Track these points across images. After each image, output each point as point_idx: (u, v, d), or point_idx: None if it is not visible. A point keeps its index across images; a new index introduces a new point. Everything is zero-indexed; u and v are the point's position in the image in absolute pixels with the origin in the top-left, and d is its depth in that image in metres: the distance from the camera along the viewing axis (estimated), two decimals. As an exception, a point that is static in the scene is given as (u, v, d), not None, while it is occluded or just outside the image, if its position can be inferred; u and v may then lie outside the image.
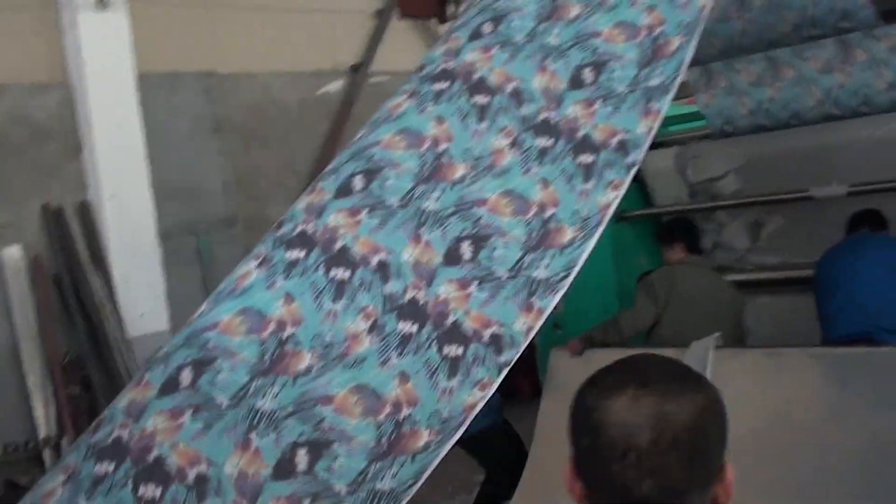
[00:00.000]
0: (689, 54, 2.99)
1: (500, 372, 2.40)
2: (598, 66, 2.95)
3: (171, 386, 2.33)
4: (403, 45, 9.52)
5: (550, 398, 5.00)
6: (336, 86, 9.17)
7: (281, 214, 7.98)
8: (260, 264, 2.56)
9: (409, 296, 2.49)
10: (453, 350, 2.41)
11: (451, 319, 2.45)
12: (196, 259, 7.79)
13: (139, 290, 7.14)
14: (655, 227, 6.23)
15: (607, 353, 5.09)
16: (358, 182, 2.69)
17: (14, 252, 6.95)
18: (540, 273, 2.56)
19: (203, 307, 2.53)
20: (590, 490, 1.37)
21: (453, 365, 2.39)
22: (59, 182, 7.27)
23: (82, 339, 6.91)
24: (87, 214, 7.21)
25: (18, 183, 7.13)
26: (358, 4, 9.09)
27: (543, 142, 2.80)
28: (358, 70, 9.23)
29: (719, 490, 1.36)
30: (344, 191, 2.67)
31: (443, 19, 5.28)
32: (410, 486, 2.21)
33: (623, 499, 1.32)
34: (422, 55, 8.94)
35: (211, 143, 8.10)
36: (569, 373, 4.89)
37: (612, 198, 2.72)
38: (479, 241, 2.60)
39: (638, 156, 2.80)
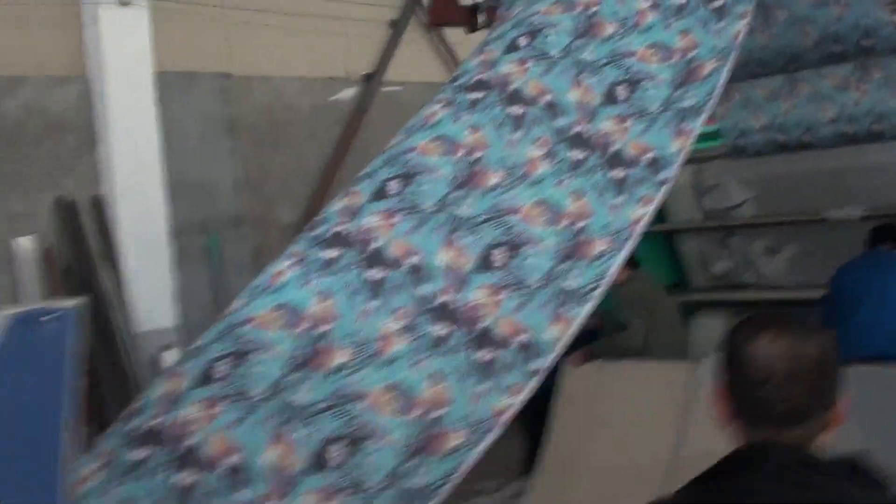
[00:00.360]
0: (722, 79, 3.05)
1: (530, 378, 2.43)
2: (632, 85, 3.01)
3: (205, 377, 2.37)
4: (417, 56, 9.56)
5: (562, 406, 5.03)
6: (348, 93, 9.21)
7: (289, 216, 8.02)
8: (295, 263, 2.60)
9: (441, 299, 2.53)
10: (484, 355, 2.45)
11: (482, 325, 2.50)
12: (205, 257, 7.81)
13: (148, 286, 7.16)
14: (667, 243, 6.29)
15: (614, 365, 5.23)
16: (393, 186, 2.73)
17: (26, 243, 6.97)
18: (570, 283, 2.61)
19: (237, 303, 2.57)
20: (736, 411, 1.76)
21: (484, 369, 2.43)
22: (74, 175, 7.30)
23: (90, 332, 6.93)
24: (99, 209, 7.24)
25: (33, 175, 7.15)
26: (373, 14, 9.13)
27: (577, 154, 2.85)
28: (371, 79, 9.27)
29: (834, 415, 1.73)
30: (379, 194, 2.71)
31: (473, 28, 5.34)
32: (442, 485, 2.25)
33: (763, 417, 1.71)
34: (435, 66, 8.92)
35: (223, 143, 8.12)
36: (578, 382, 4.95)
37: (643, 213, 2.77)
38: (511, 248, 2.64)
39: (669, 174, 2.85)
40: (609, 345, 5.44)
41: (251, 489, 2.20)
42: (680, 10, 3.15)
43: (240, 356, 2.40)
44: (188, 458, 2.24)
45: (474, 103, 2.91)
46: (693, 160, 6.42)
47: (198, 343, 2.51)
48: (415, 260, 2.57)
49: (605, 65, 3.04)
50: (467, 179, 2.75)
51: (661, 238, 6.61)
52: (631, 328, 5.40)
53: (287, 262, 2.61)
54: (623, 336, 5.42)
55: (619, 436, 4.56)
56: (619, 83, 3.00)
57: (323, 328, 2.44)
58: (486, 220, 2.68)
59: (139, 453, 2.27)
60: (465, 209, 2.69)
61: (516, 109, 2.89)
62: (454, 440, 2.31)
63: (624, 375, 5.02)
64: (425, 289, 2.54)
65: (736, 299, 6.34)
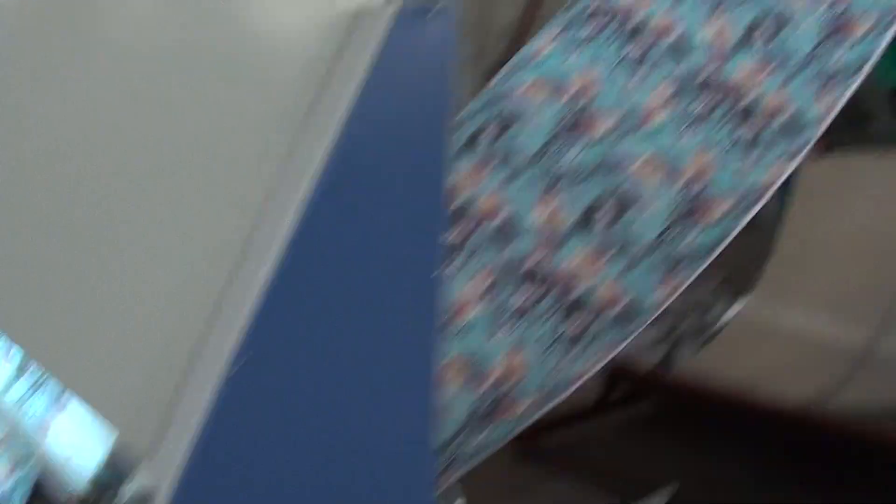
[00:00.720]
0: None
1: (793, 156, 2.44)
2: None
3: (470, 145, 2.48)
4: None
5: (800, 198, 4.95)
6: None
7: (507, 19, 7.91)
8: (553, 40, 2.64)
9: (704, 75, 2.54)
10: (746, 131, 2.46)
11: (744, 101, 2.50)
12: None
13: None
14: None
15: (856, 157, 5.09)
16: None
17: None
18: (834, 63, 2.57)
19: (496, 78, 2.64)
20: None
21: (748, 144, 2.45)
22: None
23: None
24: None
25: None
26: None
27: None
28: None
29: None
30: None
31: None
32: (710, 250, 2.32)
33: None
34: None
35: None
36: (818, 173, 4.86)
37: None
38: (773, 27, 2.61)
39: None
40: (852, 136, 5.26)
41: (520, 243, 2.32)
42: None
43: (504, 125, 2.49)
44: (456, 214, 2.37)
45: None
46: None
47: (460, 115, 2.61)
48: (675, 35, 2.58)
49: None
50: None
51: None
52: (875, 119, 5.22)
53: (545, 40, 2.66)
54: (867, 127, 5.25)
55: (858, 229, 4.50)
56: None
57: (586, 99, 2.50)
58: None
59: None
60: None
61: None
62: (720, 209, 2.36)
63: (866, 168, 4.90)
64: (687, 64, 2.55)
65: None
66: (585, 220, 2.34)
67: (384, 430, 1.34)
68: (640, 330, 2.31)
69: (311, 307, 1.27)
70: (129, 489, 1.26)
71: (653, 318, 2.32)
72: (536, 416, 2.29)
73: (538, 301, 2.33)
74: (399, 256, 1.43)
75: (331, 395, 1.29)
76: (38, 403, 1.94)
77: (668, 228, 2.33)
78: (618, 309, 2.32)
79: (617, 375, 4.21)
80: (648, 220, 2.34)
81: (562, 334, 2.31)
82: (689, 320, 4.26)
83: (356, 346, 1.32)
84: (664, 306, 2.34)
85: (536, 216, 2.35)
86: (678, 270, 2.35)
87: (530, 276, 2.34)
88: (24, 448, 1.90)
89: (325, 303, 1.29)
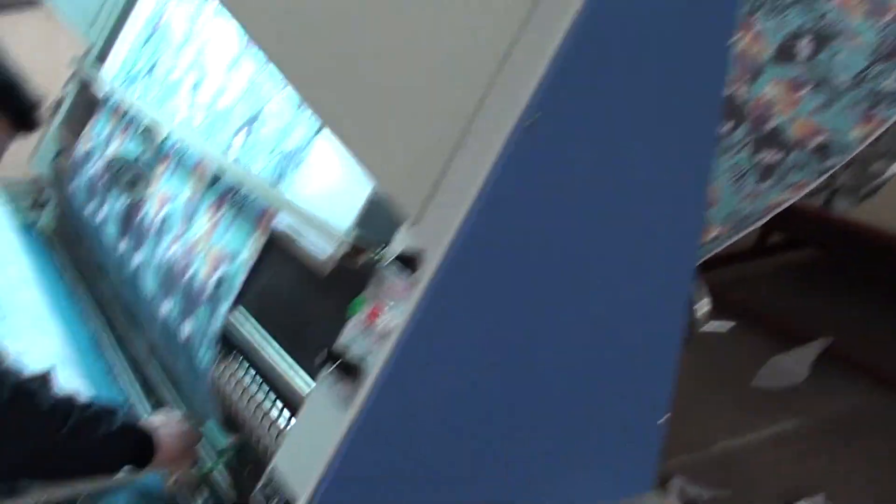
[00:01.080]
0: None
1: None
2: None
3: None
4: None
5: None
6: None
7: None
8: None
9: None
10: None
11: None
12: None
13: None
14: None
15: None
16: None
17: None
18: None
19: None
20: None
21: None
22: None
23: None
24: None
25: None
26: None
27: None
28: None
29: None
30: None
31: None
32: None
33: None
34: None
35: None
36: None
37: None
38: None
39: None
40: None
41: None
42: None
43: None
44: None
45: None
46: None
47: None
48: None
49: None
50: None
51: None
52: None
53: None
54: None
55: None
56: None
57: None
58: None
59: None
60: None
61: None
62: None
63: None
64: None
65: None
66: (785, 51, 2.29)
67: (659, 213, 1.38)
68: (839, 166, 2.28)
69: (595, 88, 1.28)
70: (394, 251, 1.28)
71: (852, 155, 2.29)
72: (727, 244, 2.30)
73: (733, 129, 2.30)
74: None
75: (610, 174, 1.32)
76: (290, 163, 1.88)
77: (870, 65, 2.27)
78: (815, 142, 2.28)
79: (775, 220, 4.17)
80: (850, 55, 2.28)
81: (757, 163, 2.29)
82: (849, 172, 4.16)
83: (637, 137, 1.34)
84: (864, 144, 2.28)
85: (735, 42, 2.31)
86: (879, 108, 2.29)
87: (726, 104, 2.30)
88: (245, 230, 1.87)
89: (609, 87, 1.30)
